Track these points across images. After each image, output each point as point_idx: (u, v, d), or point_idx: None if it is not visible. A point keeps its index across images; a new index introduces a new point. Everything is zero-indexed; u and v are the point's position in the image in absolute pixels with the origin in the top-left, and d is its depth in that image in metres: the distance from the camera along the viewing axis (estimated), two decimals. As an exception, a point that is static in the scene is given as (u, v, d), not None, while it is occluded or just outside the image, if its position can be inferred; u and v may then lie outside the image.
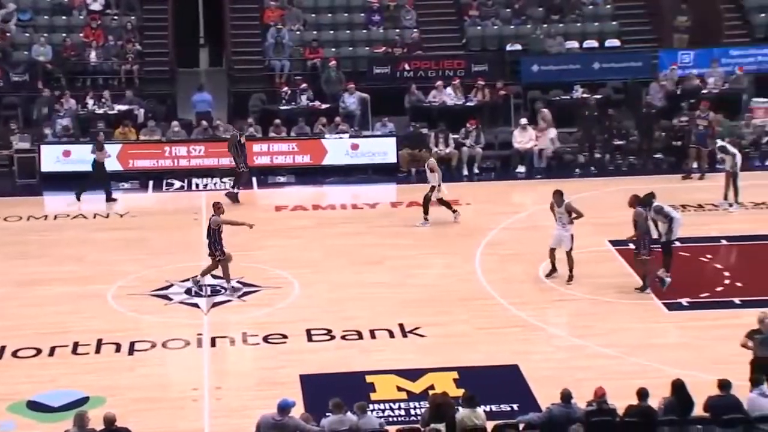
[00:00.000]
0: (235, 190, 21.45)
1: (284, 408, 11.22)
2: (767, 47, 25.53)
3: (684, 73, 25.09)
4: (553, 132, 23.03)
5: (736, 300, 16.14)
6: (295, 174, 23.13)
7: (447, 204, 19.77)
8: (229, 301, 16.64)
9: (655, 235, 16.54)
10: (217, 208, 16.99)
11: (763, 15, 26.75)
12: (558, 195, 16.83)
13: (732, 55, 25.40)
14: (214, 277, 17.42)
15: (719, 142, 20.76)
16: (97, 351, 14.85)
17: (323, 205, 21.55)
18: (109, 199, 21.68)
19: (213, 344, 15.11)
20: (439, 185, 19.62)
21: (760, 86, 24.87)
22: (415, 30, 26.54)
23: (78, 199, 21.57)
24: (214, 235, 16.70)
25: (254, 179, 22.81)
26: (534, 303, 16.29)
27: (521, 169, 23.07)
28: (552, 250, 16.81)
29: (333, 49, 26.25)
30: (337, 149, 23.28)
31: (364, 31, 27.00)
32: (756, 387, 11.87)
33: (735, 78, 24.81)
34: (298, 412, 11.69)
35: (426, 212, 19.69)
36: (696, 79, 24.65)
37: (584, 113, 23.21)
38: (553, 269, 16.90)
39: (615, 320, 15.65)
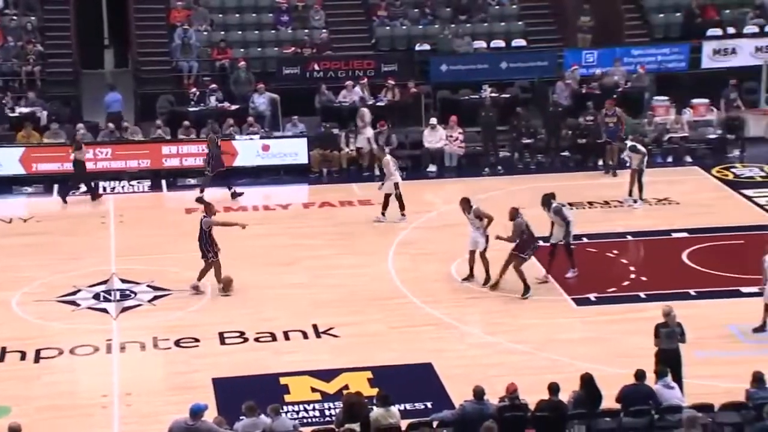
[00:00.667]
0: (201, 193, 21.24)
1: (196, 412, 11.10)
2: (667, 47, 26.19)
3: (588, 73, 25.58)
4: (369, 131, 22.82)
5: (642, 294, 16.52)
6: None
7: (386, 203, 19.78)
8: (139, 305, 16.38)
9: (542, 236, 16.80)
10: (209, 209, 16.81)
11: (661, 15, 27.44)
12: (465, 202, 16.97)
13: (633, 55, 25.98)
14: (124, 281, 17.14)
15: (629, 142, 21.20)
16: (1, 359, 14.47)
17: (234, 207, 21.34)
18: (95, 197, 21.40)
19: (123, 350, 14.86)
20: (383, 183, 19.75)
21: (660, 85, 25.51)
22: (324, 30, 26.50)
23: (64, 201, 21.35)
24: (204, 237, 16.48)
25: (164, 182, 22.48)
26: (447, 301, 16.42)
27: (432, 168, 23.22)
28: (471, 253, 16.94)
29: (241, 50, 26.03)
30: (248, 150, 23.10)
31: (273, 31, 26.84)
32: (661, 379, 12.21)
33: (637, 77, 25.39)
34: (211, 416, 11.59)
35: (402, 208, 19.73)
36: (614, 76, 25.16)
37: (481, 114, 23.43)
38: (471, 274, 17.00)
39: (526, 316, 15.88)
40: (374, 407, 11.67)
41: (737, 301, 16.03)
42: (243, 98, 24.61)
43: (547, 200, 16.92)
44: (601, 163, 23.07)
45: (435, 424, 11.70)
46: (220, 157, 21.45)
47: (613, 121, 22.74)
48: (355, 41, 27.05)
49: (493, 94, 24.56)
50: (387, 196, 19.72)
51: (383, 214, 19.83)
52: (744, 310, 15.63)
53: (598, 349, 14.60)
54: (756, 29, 26.49)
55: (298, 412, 13.03)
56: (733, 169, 22.75)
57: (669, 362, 12.67)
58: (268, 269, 17.71)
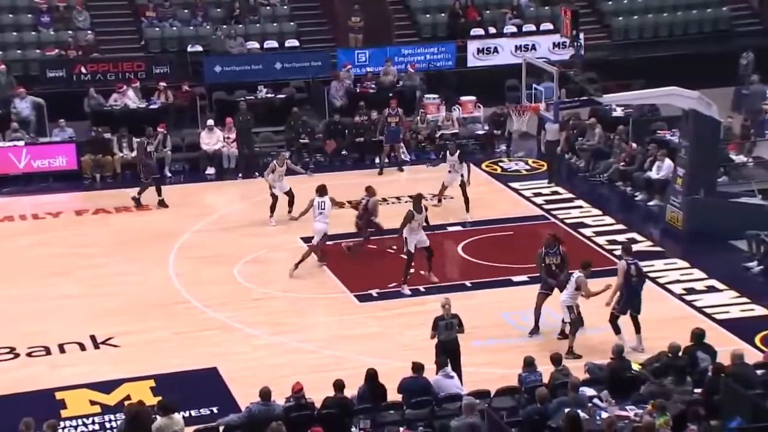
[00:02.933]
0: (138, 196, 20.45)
1: (-35, 436, 10.47)
2: (434, 46, 27.10)
3: (362, 72, 26.04)
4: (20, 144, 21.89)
5: (421, 288, 16.97)
6: (-35, 186, 21.61)
7: (273, 206, 19.42)
8: None
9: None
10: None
11: (428, 15, 28.36)
12: (321, 189, 17.41)
13: (404, 54, 26.70)
14: None
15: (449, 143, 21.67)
16: None
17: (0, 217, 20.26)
18: None
19: None
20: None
21: (430, 83, 26.33)
22: (89, 31, 25.58)
23: None
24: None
25: None
26: (231, 304, 16.28)
27: (210, 170, 22.93)
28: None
29: (0, 52, 24.70)
30: (12, 157, 21.97)
31: (34, 33, 25.64)
32: (441, 369, 12.60)
33: (408, 75, 26.09)
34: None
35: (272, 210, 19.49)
36: (389, 75, 25.68)
37: (238, 119, 23.29)
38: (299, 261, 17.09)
39: (311, 315, 16.01)
40: (157, 416, 11.42)
41: (509, 290, 16.75)
42: (4, 103, 23.37)
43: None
44: (377, 161, 23.53)
45: (222, 428, 11.58)
46: (150, 162, 20.56)
47: (395, 120, 23.26)
48: (124, 42, 26.29)
49: (269, 95, 24.58)
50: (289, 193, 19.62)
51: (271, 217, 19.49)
52: (515, 297, 16.37)
53: (383, 344, 14.90)
54: (514, 29, 27.86)
55: (76, 427, 12.62)
56: (501, 164, 23.81)
57: (448, 353, 13.10)
58: (41, 281, 16.96)
